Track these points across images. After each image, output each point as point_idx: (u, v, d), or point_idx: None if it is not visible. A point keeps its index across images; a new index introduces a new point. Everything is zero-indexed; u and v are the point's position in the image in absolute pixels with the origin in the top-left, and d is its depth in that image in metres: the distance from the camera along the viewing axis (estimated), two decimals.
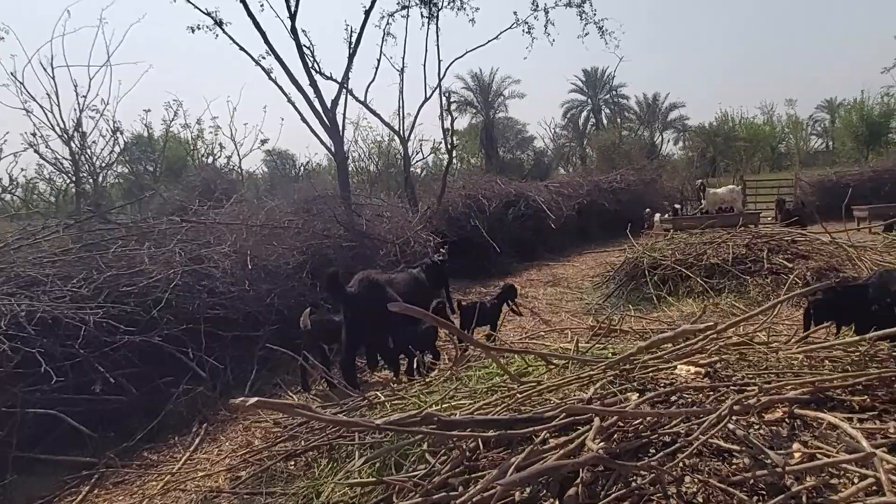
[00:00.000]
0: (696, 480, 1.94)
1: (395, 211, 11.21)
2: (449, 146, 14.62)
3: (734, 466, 1.99)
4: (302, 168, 30.54)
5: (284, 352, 5.06)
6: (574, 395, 2.78)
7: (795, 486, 1.81)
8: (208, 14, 10.33)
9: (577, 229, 15.35)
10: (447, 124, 14.48)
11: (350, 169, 20.12)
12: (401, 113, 14.36)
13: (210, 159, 19.96)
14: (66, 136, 11.32)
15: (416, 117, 14.35)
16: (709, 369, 2.74)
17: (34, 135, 11.57)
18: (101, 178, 13.65)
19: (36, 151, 11.92)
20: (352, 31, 11.70)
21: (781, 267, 7.62)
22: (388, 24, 13.20)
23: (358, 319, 5.14)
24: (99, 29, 10.79)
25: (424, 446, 2.76)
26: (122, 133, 14.32)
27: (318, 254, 7.62)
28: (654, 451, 2.13)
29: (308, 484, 3.17)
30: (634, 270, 8.61)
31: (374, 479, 2.62)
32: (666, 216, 15.32)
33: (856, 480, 1.83)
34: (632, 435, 2.26)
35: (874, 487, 1.76)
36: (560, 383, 2.94)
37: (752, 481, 1.89)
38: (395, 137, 14.98)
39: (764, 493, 1.85)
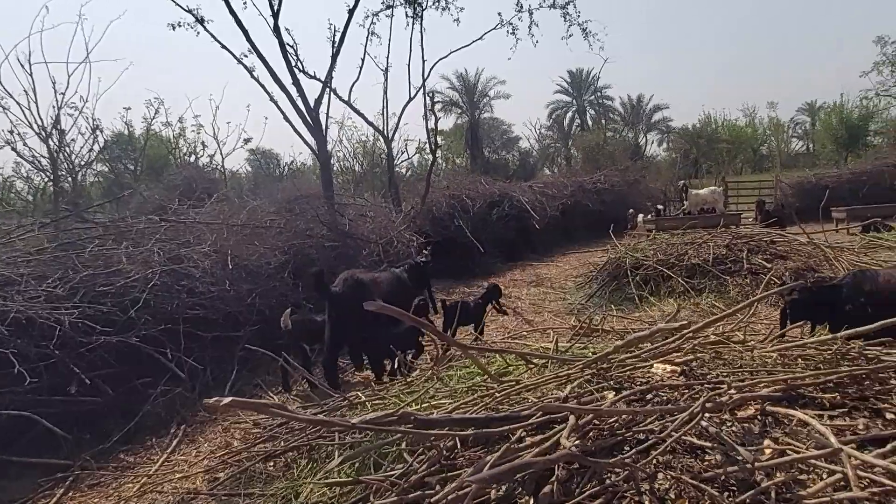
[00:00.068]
0: (668, 477, 1.95)
1: (378, 211, 11.20)
2: (433, 146, 14.62)
3: (706, 463, 2.01)
4: (286, 168, 30.37)
5: (265, 352, 5.03)
6: (552, 394, 2.79)
7: (765, 482, 1.83)
8: (189, 11, 10.25)
9: (561, 229, 15.41)
10: (431, 124, 14.51)
11: (335, 169, 20.08)
12: (385, 113, 14.38)
13: (192, 158, 19.74)
14: (43, 133, 11.20)
15: (400, 117, 14.39)
16: (684, 368, 2.76)
17: (11, 132, 11.45)
18: (79, 177, 13.49)
19: (13, 149, 11.77)
20: (335, 30, 11.69)
21: (760, 267, 7.71)
22: (372, 23, 13.20)
23: (342, 319, 5.12)
24: (78, 25, 10.70)
25: (403, 446, 2.75)
26: (101, 131, 14.18)
27: (301, 253, 7.59)
28: (628, 448, 2.15)
29: (287, 485, 3.15)
30: (617, 271, 8.68)
31: (350, 479, 2.60)
32: (649, 217, 15.46)
33: (824, 476, 1.86)
34: (607, 433, 2.27)
35: (842, 483, 1.79)
36: (538, 382, 2.95)
37: (723, 477, 1.91)
38: (380, 137, 14.92)
39: (735, 488, 1.87)
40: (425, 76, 13.77)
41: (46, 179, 12.79)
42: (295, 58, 10.83)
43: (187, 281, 5.76)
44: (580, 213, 16.36)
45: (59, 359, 4.45)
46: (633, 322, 6.53)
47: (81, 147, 12.89)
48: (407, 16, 13.41)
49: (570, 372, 2.93)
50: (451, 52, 14.59)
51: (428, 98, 14.22)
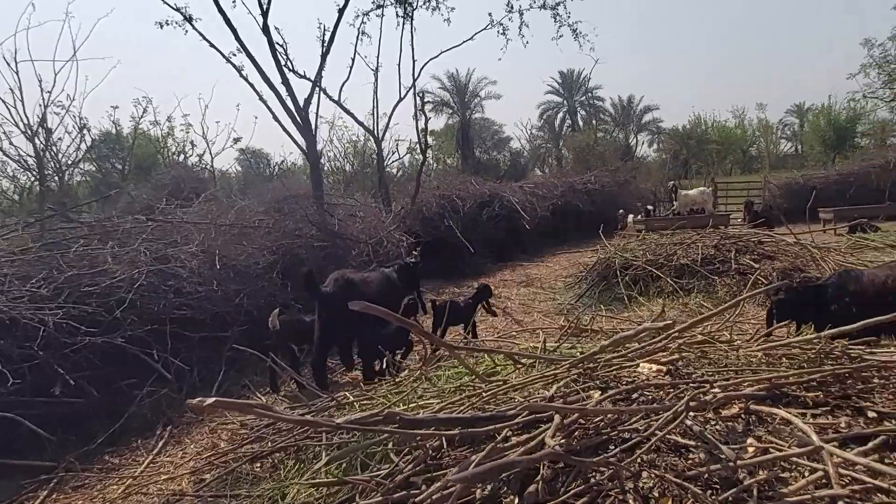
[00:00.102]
0: (652, 475, 1.96)
1: (368, 211, 11.17)
2: (423, 146, 14.60)
3: (690, 461, 2.02)
4: (276, 167, 30.21)
5: (253, 352, 5.00)
6: (538, 394, 2.79)
7: (748, 480, 1.84)
8: (177, 9, 10.18)
9: (552, 230, 15.43)
10: (421, 124, 14.49)
11: (325, 168, 20.01)
12: (375, 113, 14.34)
13: (181, 157, 19.60)
14: (30, 132, 11.04)
15: (390, 117, 14.40)
16: (670, 367, 2.77)
17: None
18: (66, 176, 13.36)
19: None
20: (325, 30, 11.64)
21: (748, 267, 7.76)
22: (363, 23, 13.16)
23: (333, 319, 5.10)
24: (65, 23, 10.57)
25: (390, 446, 2.75)
26: (89, 130, 14.06)
27: (290, 253, 7.55)
28: (613, 447, 2.15)
29: (274, 486, 3.12)
30: (606, 271, 8.71)
31: (335, 480, 2.59)
32: (639, 217, 15.53)
33: (806, 474, 1.87)
34: (592, 432, 2.28)
35: (823, 481, 1.80)
36: (525, 382, 2.95)
37: (706, 475, 1.92)
38: (371, 137, 14.90)
39: (718, 486, 1.88)
40: (416, 76, 13.78)
41: (33, 179, 12.66)
42: (284, 57, 10.79)
43: (174, 281, 5.72)
44: (570, 213, 16.39)
45: (43, 360, 4.40)
46: (622, 322, 6.55)
47: (68, 146, 12.80)
48: (397, 16, 13.42)
49: (556, 372, 2.94)
50: (442, 53, 14.66)
51: (418, 98, 14.23)
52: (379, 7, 13.14)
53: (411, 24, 13.44)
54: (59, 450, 4.19)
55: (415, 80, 13.78)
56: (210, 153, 19.08)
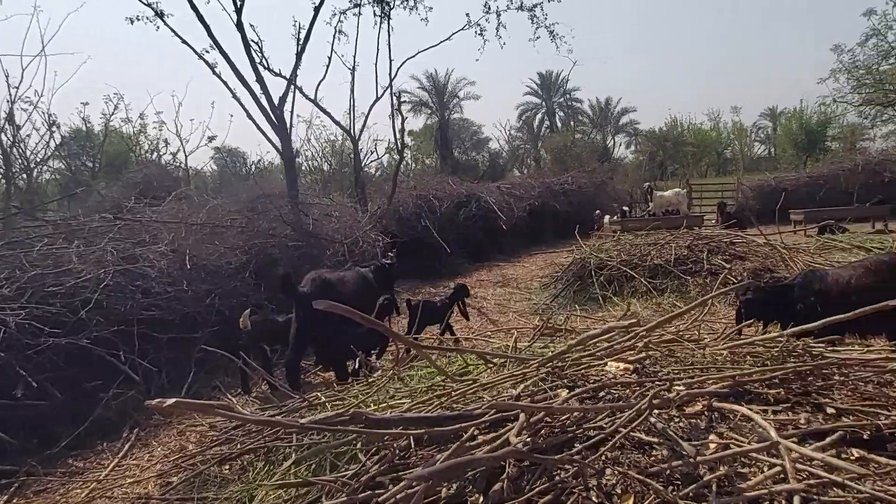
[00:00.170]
0: (616, 472, 1.97)
1: (344, 210, 11.10)
2: (399, 146, 14.57)
3: (653, 458, 2.03)
4: (253, 166, 29.90)
5: (223, 354, 4.92)
6: (507, 393, 2.79)
7: (708, 476, 1.86)
8: (148, 5, 10.01)
9: (529, 230, 15.51)
10: (398, 124, 14.46)
11: (303, 168, 19.86)
12: (352, 112, 14.28)
13: (154, 156, 19.28)
14: None
15: (366, 116, 14.36)
16: (637, 365, 2.80)
17: None
18: (35, 174, 13.06)
19: None
20: (300, 28, 11.55)
21: (720, 267, 7.87)
22: (339, 21, 13.09)
23: (310, 319, 5.04)
24: (33, 17, 10.42)
25: (359, 446, 2.72)
26: (58, 127, 13.74)
27: (263, 253, 7.46)
28: (579, 445, 2.16)
29: (242, 488, 3.08)
30: (582, 271, 8.78)
31: (300, 481, 2.56)
32: (615, 218, 15.69)
33: (765, 469, 1.90)
34: (558, 430, 2.28)
35: (781, 475, 1.83)
36: (495, 381, 2.95)
37: (668, 472, 1.94)
38: (348, 137, 14.81)
39: (679, 482, 1.90)
40: (393, 75, 13.75)
41: None
42: (260, 54, 10.69)
43: (142, 281, 5.61)
44: (547, 214, 16.49)
45: (4, 361, 4.29)
46: (597, 322, 6.60)
47: (37, 143, 12.51)
48: (375, 15, 13.37)
49: (526, 371, 2.94)
50: (419, 52, 14.62)
51: (394, 98, 14.19)
52: (356, 6, 13.11)
53: (388, 23, 13.42)
54: (21, 454, 4.08)
55: (391, 80, 13.77)
56: (184, 151, 18.87)
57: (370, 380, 4.21)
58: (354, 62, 13.68)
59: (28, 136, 12.11)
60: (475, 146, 43.40)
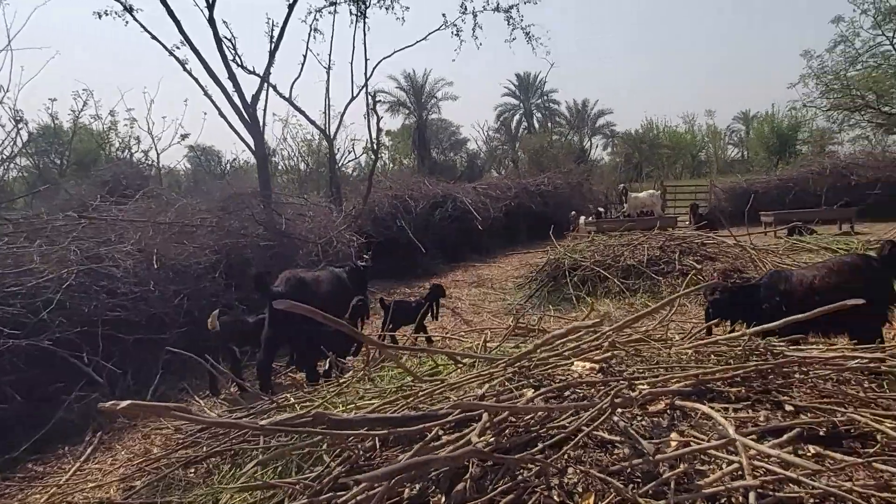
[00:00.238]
0: (578, 471, 1.98)
1: (318, 210, 10.99)
2: (375, 146, 14.49)
3: (615, 457, 2.05)
4: (228, 165, 29.49)
5: (190, 355, 4.83)
6: (474, 393, 2.78)
7: (667, 473, 1.88)
8: None
9: (504, 231, 15.55)
10: (373, 123, 14.37)
11: (279, 167, 19.64)
12: (327, 111, 14.16)
13: (125, 153, 18.89)
14: None
15: (342, 116, 14.27)
16: (603, 365, 2.81)
17: None
18: (1, 172, 12.69)
19: None
20: (273, 25, 11.40)
21: (691, 268, 8.00)
22: (315, 19, 12.94)
23: (284, 320, 4.97)
24: None
25: (325, 447, 2.69)
26: (25, 123, 13.37)
27: (234, 253, 7.35)
28: (542, 444, 2.16)
29: (206, 491, 3.03)
30: (556, 271, 8.85)
31: (261, 483, 2.52)
32: (590, 219, 15.81)
33: (723, 466, 1.92)
34: (522, 430, 2.28)
35: (739, 472, 1.85)
36: (462, 381, 2.95)
37: (629, 470, 1.95)
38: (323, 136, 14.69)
39: (640, 480, 1.91)
40: (368, 75, 13.63)
41: None
42: (233, 51, 10.55)
43: (107, 281, 5.48)
44: (523, 214, 16.54)
45: None
46: (570, 322, 6.62)
47: (3, 140, 12.15)
48: (351, 13, 13.24)
49: (493, 371, 2.94)
50: (395, 52, 14.51)
51: (370, 97, 14.10)
52: (332, 4, 12.99)
53: (365, 22, 13.31)
54: None
55: (367, 79, 13.66)
56: (156, 149, 18.49)
57: (341, 381, 4.17)
58: (330, 61, 13.56)
59: None
60: (453, 147, 43.46)
